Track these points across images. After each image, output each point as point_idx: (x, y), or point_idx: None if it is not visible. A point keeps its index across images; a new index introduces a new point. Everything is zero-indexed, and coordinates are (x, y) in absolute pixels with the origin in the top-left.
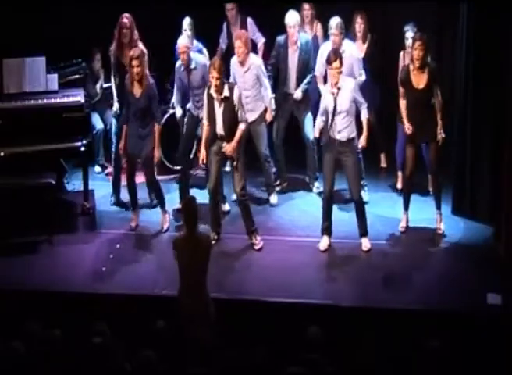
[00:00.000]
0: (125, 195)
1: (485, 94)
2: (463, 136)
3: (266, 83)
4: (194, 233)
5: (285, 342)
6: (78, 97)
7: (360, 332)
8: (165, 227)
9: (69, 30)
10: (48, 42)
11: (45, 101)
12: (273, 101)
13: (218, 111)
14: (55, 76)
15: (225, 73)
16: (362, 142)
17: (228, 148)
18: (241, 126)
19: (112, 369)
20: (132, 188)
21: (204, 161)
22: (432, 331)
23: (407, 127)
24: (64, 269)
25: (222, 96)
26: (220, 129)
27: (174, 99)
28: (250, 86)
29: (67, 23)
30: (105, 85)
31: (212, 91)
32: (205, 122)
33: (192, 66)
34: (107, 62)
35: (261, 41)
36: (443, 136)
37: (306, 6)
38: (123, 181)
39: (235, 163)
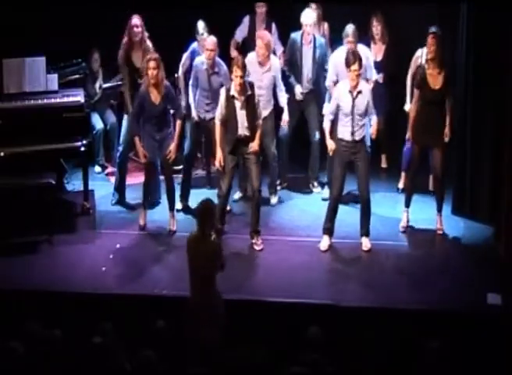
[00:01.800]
0: (127, 195)
1: (485, 94)
2: (463, 136)
3: (281, 84)
4: (206, 237)
5: (285, 342)
6: (78, 97)
7: (360, 332)
8: (173, 228)
9: (69, 30)
10: (48, 42)
11: (45, 101)
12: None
13: (241, 112)
14: (55, 76)
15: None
16: (373, 133)
17: (255, 146)
18: (260, 123)
19: (112, 369)
20: (149, 189)
21: (222, 163)
22: (432, 331)
23: (412, 137)
24: (64, 269)
25: (246, 95)
26: (243, 130)
27: (191, 98)
28: (266, 86)
29: (67, 23)
30: (105, 85)
31: (234, 91)
32: (218, 122)
33: (216, 70)
34: (106, 62)
35: (280, 49)
36: (449, 137)
37: (313, 6)
38: (127, 181)
39: (260, 158)
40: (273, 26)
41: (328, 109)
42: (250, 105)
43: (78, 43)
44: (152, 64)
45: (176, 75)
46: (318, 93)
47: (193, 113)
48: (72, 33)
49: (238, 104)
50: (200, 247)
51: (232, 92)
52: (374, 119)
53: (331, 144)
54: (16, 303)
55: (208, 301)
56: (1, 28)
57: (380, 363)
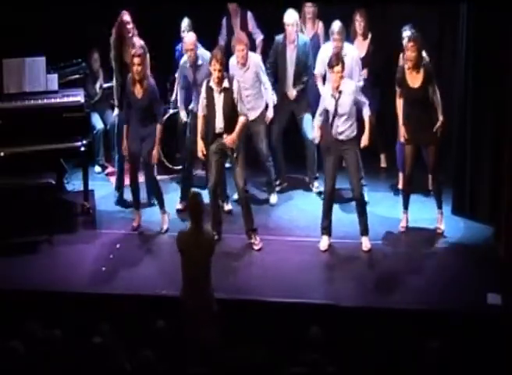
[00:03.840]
0: (128, 195)
1: (485, 94)
2: (463, 136)
3: (265, 79)
4: (199, 229)
5: (285, 342)
6: (78, 97)
7: (360, 332)
8: (165, 228)
9: (69, 30)
10: (48, 42)
11: (45, 101)
12: (274, 97)
13: (218, 103)
14: (55, 76)
15: (226, 66)
16: (364, 141)
17: (228, 139)
18: (241, 119)
19: (112, 369)
20: (135, 188)
21: (204, 152)
22: (432, 331)
23: (402, 135)
24: (64, 269)
25: (222, 87)
26: (220, 122)
27: (178, 100)
28: (250, 85)
29: (67, 23)
30: (105, 85)
31: (213, 83)
32: (200, 113)
33: (199, 63)
34: (106, 62)
35: (259, 37)
36: (440, 132)
37: (308, 4)
38: (126, 181)
39: (235, 155)
40: (248, 14)
41: (317, 112)
42: (228, 97)
43: (78, 43)
44: (137, 60)
45: (170, 77)
46: (304, 93)
47: (182, 114)
48: (72, 33)
49: (216, 95)
50: (195, 241)
51: (211, 83)
52: (366, 112)
53: (316, 134)
54: (16, 303)
55: (204, 300)
56: (1, 28)
57: (380, 363)
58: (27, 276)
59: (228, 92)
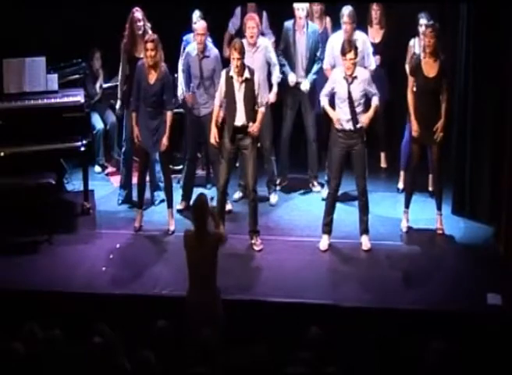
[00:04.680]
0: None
1: (485, 94)
2: (463, 136)
3: (275, 59)
4: (204, 231)
5: (285, 342)
6: (78, 97)
7: (360, 332)
8: (172, 229)
9: (69, 30)
10: (48, 42)
11: (45, 101)
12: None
13: (239, 94)
14: (55, 76)
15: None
16: (364, 119)
17: (253, 128)
18: (262, 110)
19: (112, 369)
20: (143, 186)
21: (217, 139)
22: (431, 331)
23: (414, 130)
24: (64, 269)
25: (243, 78)
26: (241, 114)
27: (182, 83)
28: (259, 67)
29: (67, 23)
30: (105, 85)
31: (233, 72)
32: (217, 103)
33: (206, 54)
34: (107, 62)
35: (271, 39)
36: (441, 131)
37: (314, 2)
38: (133, 180)
39: (258, 144)
40: (264, 15)
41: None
42: (248, 88)
43: (78, 43)
44: (150, 45)
45: (175, 75)
46: (315, 88)
47: (184, 92)
48: (72, 33)
49: (236, 85)
50: (198, 245)
51: (231, 73)
52: (374, 101)
53: (335, 115)
54: (16, 303)
55: (208, 299)
56: (1, 28)
57: (380, 363)
58: (27, 276)
59: (249, 83)
